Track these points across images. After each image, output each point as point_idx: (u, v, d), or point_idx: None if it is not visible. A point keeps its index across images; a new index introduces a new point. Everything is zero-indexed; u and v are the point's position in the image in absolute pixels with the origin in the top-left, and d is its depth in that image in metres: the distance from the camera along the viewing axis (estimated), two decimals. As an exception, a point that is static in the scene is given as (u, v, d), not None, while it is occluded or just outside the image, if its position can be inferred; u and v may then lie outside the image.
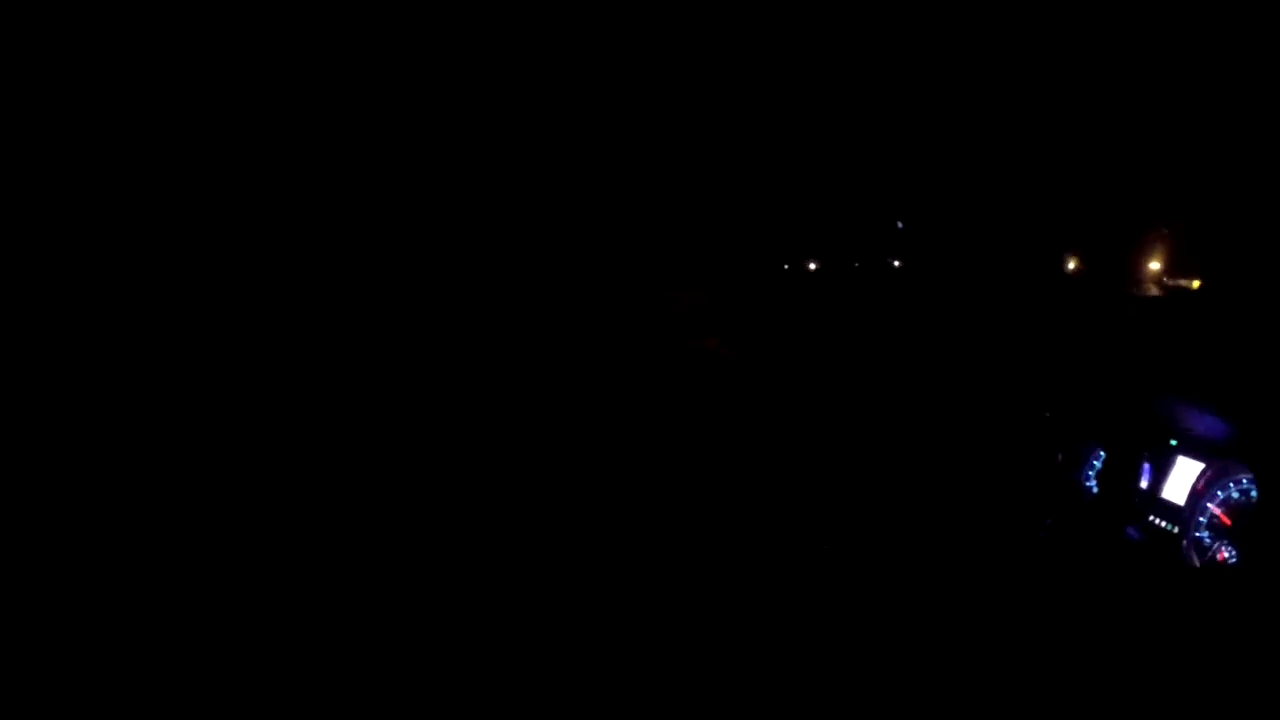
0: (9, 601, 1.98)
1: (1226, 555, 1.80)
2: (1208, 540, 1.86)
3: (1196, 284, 2.05)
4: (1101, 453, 2.20)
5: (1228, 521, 1.83)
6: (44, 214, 2.14)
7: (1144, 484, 2.06)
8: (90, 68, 2.06)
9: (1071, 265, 2.40)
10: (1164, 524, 1.97)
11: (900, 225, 2.87)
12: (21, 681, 1.84)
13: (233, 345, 2.46)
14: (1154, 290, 2.18)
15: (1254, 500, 1.77)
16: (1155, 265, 2.17)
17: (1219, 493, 1.87)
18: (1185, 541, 1.90)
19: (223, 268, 2.43)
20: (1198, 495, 1.91)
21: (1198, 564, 1.86)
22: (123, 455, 2.27)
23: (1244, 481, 1.83)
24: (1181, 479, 1.98)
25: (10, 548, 2.06)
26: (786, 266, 4.05)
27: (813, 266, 4.40)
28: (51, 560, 2.09)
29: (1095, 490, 2.18)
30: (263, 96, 2.32)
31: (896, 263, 3.56)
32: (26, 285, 2.13)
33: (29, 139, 2.05)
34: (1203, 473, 1.93)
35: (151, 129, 2.22)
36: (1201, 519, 1.89)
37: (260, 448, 2.45)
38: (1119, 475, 2.11)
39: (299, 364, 2.59)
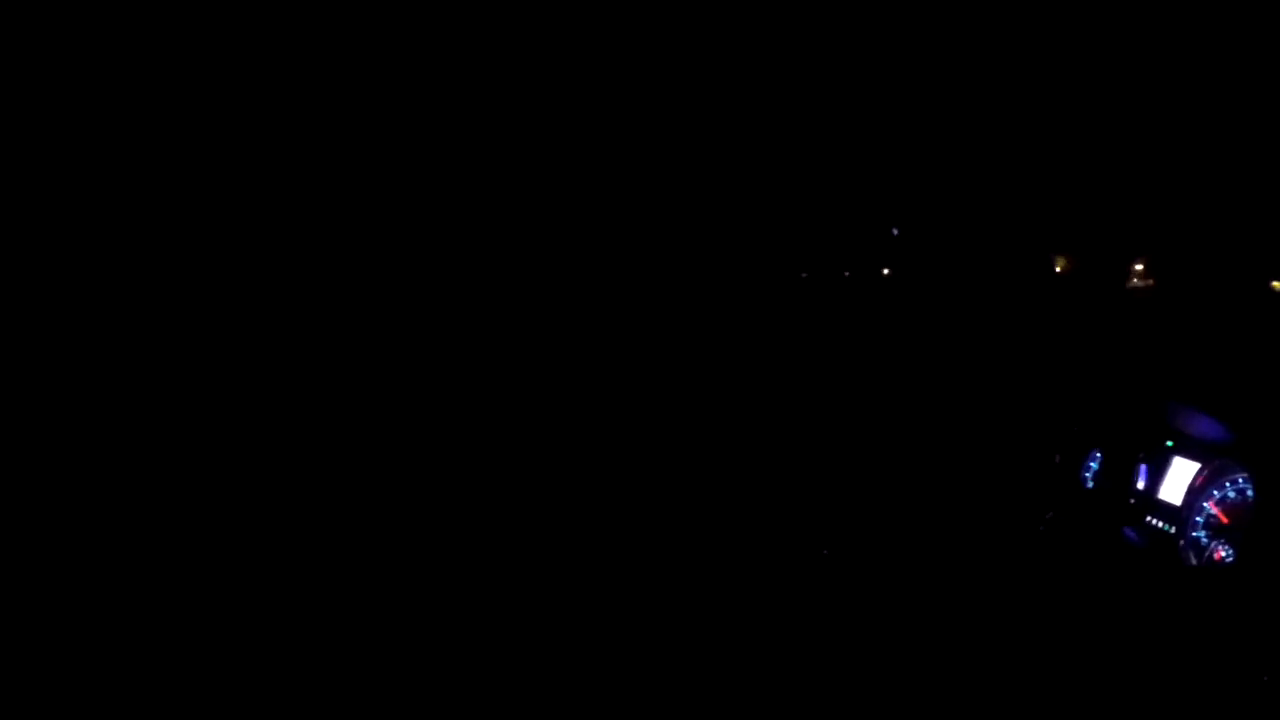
0: (9, 601, 1.96)
1: (1223, 554, 1.81)
2: (1205, 540, 1.87)
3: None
4: (1098, 454, 2.20)
5: (1225, 520, 1.83)
6: (44, 214, 2.13)
7: (1140, 485, 2.07)
8: (90, 68, 2.05)
9: (1059, 266, 2.42)
10: (1161, 524, 1.97)
11: (895, 232, 2.88)
12: (21, 682, 1.81)
13: (232, 345, 2.44)
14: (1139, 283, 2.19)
15: (1250, 499, 1.77)
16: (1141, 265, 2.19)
17: (1215, 492, 1.88)
18: (1182, 542, 1.90)
19: (222, 268, 2.41)
20: (1194, 495, 1.92)
21: (1195, 563, 1.86)
22: (122, 455, 2.25)
23: (1240, 481, 1.83)
24: (1178, 480, 1.99)
25: (10, 548, 2.03)
26: (805, 275, 4.02)
27: (803, 275, 4.42)
28: (51, 560, 2.07)
29: (1092, 489, 2.19)
30: (264, 96, 2.31)
31: (886, 270, 3.58)
32: (26, 285, 2.12)
33: (29, 139, 2.04)
34: (1199, 473, 1.93)
35: (151, 129, 2.21)
36: (1198, 519, 1.89)
37: (263, 447, 2.44)
38: (1116, 476, 2.12)
39: (333, 363, 2.59)
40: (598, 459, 2.85)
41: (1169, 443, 2.02)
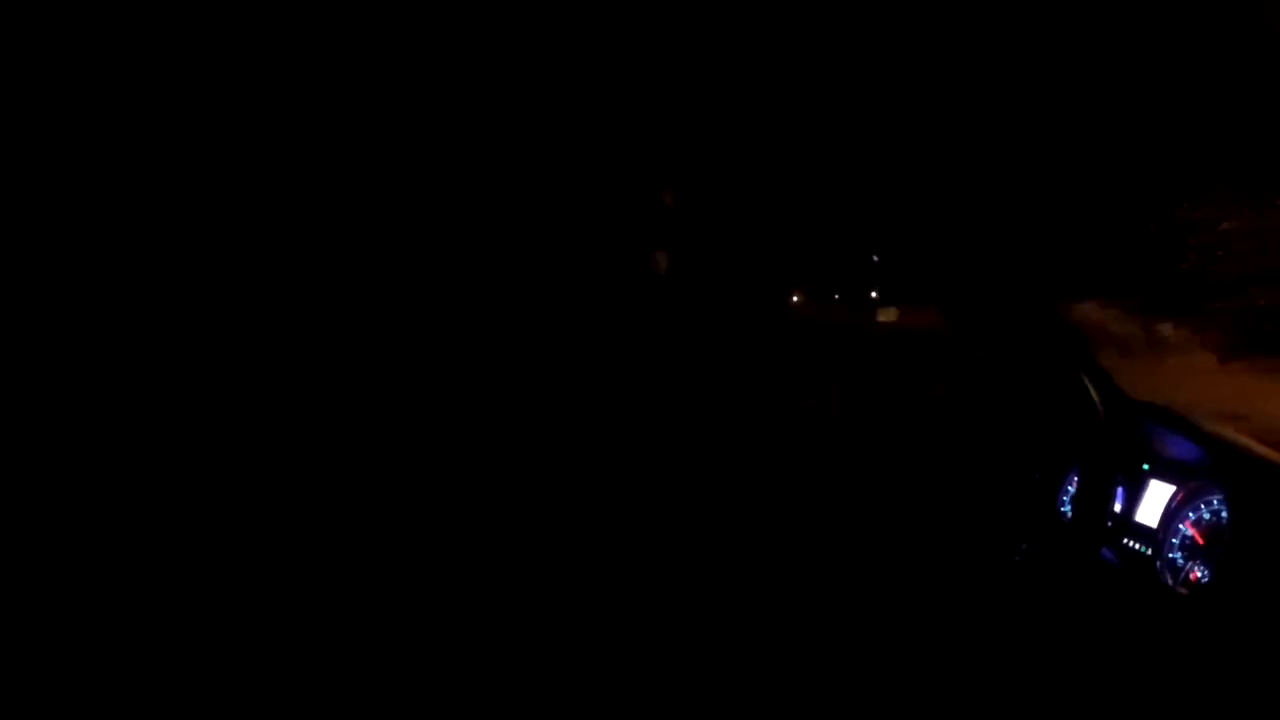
0: (9, 602, 1.95)
1: (1199, 575, 1.81)
2: (1181, 561, 1.88)
3: None
4: (1075, 477, 2.21)
5: (1201, 541, 1.84)
6: (44, 214, 2.15)
7: (1118, 508, 2.08)
8: (90, 67, 2.07)
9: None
10: (1138, 546, 1.98)
11: (876, 259, 2.93)
12: (21, 682, 1.80)
13: (232, 345, 2.45)
14: None
15: (1225, 520, 1.79)
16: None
17: (1191, 514, 1.89)
18: (1159, 563, 1.91)
19: (222, 268, 2.43)
20: (1170, 517, 1.93)
21: (1171, 584, 1.87)
22: (123, 455, 2.25)
23: (1215, 502, 1.85)
24: (1154, 502, 2.00)
25: (10, 548, 2.03)
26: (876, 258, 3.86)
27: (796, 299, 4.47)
28: (51, 561, 2.06)
29: (1071, 514, 2.19)
30: (266, 96, 2.33)
31: (874, 294, 3.62)
32: (26, 285, 2.13)
33: (29, 139, 2.06)
34: (1174, 495, 1.95)
35: (151, 129, 2.23)
36: (1174, 540, 1.90)
37: (263, 448, 2.44)
38: (1093, 499, 2.12)
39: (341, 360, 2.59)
40: (581, 473, 2.87)
41: (1145, 465, 2.04)
